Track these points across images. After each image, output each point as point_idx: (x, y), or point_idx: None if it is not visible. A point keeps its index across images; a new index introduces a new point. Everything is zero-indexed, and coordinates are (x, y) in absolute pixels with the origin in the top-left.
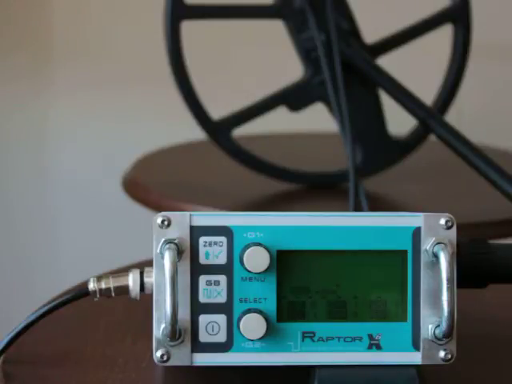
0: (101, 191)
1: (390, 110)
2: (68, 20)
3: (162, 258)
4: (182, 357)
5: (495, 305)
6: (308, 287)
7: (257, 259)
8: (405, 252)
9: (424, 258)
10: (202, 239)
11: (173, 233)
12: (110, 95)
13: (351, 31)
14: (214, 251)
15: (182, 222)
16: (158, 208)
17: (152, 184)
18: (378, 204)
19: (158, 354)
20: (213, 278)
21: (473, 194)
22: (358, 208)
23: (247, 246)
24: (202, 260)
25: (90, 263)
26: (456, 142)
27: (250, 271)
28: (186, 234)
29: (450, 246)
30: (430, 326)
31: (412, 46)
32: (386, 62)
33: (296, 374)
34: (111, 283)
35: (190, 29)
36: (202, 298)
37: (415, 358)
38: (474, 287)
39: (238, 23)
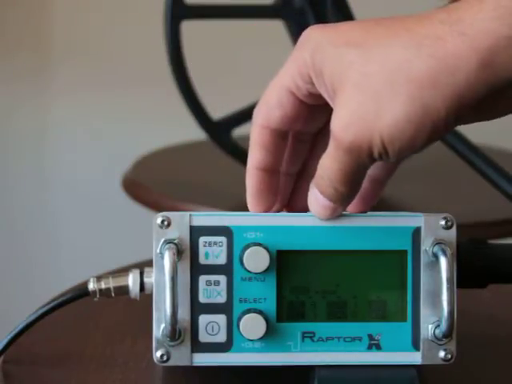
0: (101, 191)
1: None
2: (68, 20)
3: (162, 258)
4: (181, 357)
5: (495, 305)
6: (308, 287)
7: (257, 259)
8: (405, 252)
9: (424, 258)
10: (202, 239)
11: (173, 233)
12: (110, 95)
13: None
14: (213, 251)
15: (181, 222)
16: (157, 208)
17: (152, 184)
18: (378, 204)
19: (158, 354)
20: (213, 278)
21: (473, 194)
22: None
23: (247, 246)
24: (202, 260)
25: (90, 263)
26: (456, 142)
27: (249, 271)
28: (185, 234)
29: (450, 246)
30: (429, 325)
31: None
32: None
33: (296, 374)
34: (111, 283)
35: (190, 29)
36: (202, 298)
37: (415, 358)
38: (473, 287)
39: (238, 23)
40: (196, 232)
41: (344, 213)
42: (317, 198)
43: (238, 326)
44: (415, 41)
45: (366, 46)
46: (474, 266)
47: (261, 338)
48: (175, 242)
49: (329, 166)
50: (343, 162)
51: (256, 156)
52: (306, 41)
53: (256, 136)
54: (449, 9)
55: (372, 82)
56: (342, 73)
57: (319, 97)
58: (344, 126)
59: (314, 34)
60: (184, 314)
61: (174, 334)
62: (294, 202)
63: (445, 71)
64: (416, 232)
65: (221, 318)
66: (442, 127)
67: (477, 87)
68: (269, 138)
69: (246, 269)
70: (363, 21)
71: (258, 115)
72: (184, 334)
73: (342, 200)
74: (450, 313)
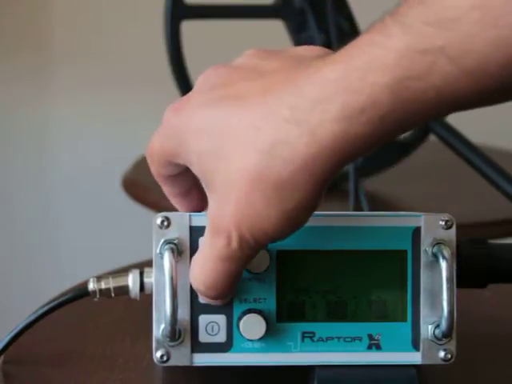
0: (101, 191)
1: None
2: (68, 20)
3: (162, 258)
4: (181, 357)
5: (495, 305)
6: (308, 287)
7: (257, 260)
8: (404, 252)
9: (424, 258)
10: (202, 239)
11: (172, 233)
12: (109, 95)
13: (351, 31)
14: None
15: (181, 222)
16: (157, 208)
17: (152, 184)
18: (378, 204)
19: (158, 354)
20: None
21: (473, 194)
22: (358, 208)
23: None
24: None
25: (90, 263)
26: (456, 141)
27: (249, 271)
28: (185, 235)
29: (450, 246)
30: (429, 325)
31: None
32: None
33: (296, 374)
34: (111, 283)
35: (190, 29)
36: (202, 298)
37: (415, 357)
38: (473, 287)
39: (238, 23)
40: (196, 232)
41: (344, 213)
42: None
43: (238, 326)
44: (266, 145)
45: (223, 148)
46: (474, 266)
47: (261, 338)
48: (175, 242)
49: (202, 271)
50: (220, 262)
51: (167, 189)
52: (167, 127)
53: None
54: (295, 103)
55: (236, 186)
56: (207, 175)
57: None
58: (225, 228)
59: (173, 121)
60: (184, 314)
61: (174, 334)
62: None
63: (300, 173)
64: (416, 232)
65: (221, 318)
66: (313, 205)
67: (334, 171)
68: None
69: (245, 269)
70: (217, 107)
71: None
72: (184, 334)
73: (222, 299)
74: (450, 313)
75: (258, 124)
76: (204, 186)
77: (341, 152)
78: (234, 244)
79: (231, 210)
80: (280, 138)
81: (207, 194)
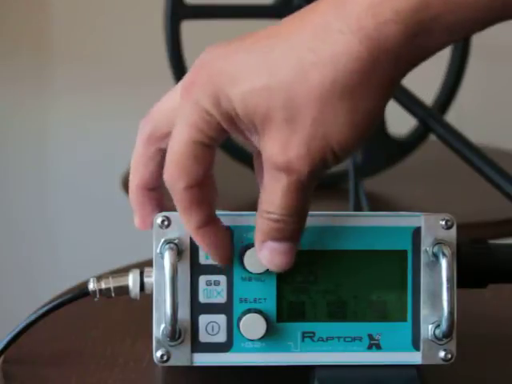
0: (101, 191)
1: (390, 110)
2: (68, 20)
3: (162, 258)
4: (181, 357)
5: (496, 305)
6: (308, 287)
7: (257, 259)
8: (405, 252)
9: (424, 258)
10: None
11: (173, 233)
12: (109, 95)
13: None
14: None
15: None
16: None
17: None
18: (378, 204)
19: (158, 354)
20: (213, 278)
21: (473, 194)
22: (358, 208)
23: (247, 246)
24: (202, 260)
25: (90, 263)
26: (456, 142)
27: (249, 271)
28: (185, 234)
29: (450, 246)
30: (429, 325)
31: None
32: None
33: (296, 374)
34: (111, 283)
35: (190, 29)
36: (202, 298)
37: (415, 357)
38: (474, 287)
39: (238, 23)
40: None
41: (344, 213)
42: (275, 250)
43: (238, 325)
44: (326, 61)
45: (274, 81)
46: (474, 266)
47: (261, 338)
48: (175, 242)
49: (287, 203)
50: (300, 191)
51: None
52: (197, 85)
53: (184, 198)
54: (346, 14)
55: (302, 111)
56: (261, 110)
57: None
58: (298, 158)
59: (203, 75)
60: (184, 313)
61: (174, 334)
62: None
63: (367, 80)
64: (416, 232)
65: (221, 318)
66: (380, 113)
67: (398, 76)
68: (196, 192)
69: (245, 269)
70: (249, 50)
71: (179, 182)
72: (184, 333)
73: (299, 231)
74: (450, 313)
75: (310, 45)
76: (250, 133)
77: (401, 55)
78: (306, 174)
79: (303, 136)
80: (339, 50)
81: (258, 137)
